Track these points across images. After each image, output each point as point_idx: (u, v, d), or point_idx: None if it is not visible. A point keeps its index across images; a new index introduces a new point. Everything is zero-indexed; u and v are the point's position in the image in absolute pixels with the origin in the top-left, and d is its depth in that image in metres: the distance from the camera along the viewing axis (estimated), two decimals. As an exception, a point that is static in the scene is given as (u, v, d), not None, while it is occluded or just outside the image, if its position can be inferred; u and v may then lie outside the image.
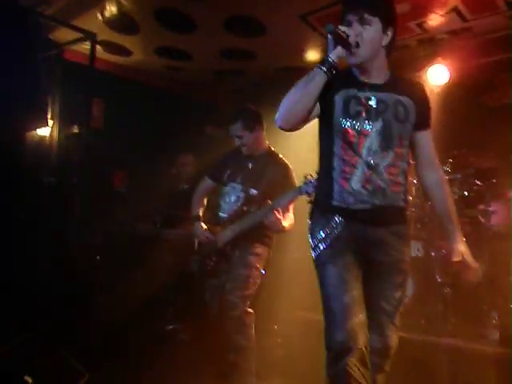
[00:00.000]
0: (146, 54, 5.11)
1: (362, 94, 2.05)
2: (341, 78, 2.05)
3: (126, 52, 5.06)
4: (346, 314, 1.97)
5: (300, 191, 3.10)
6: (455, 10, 3.92)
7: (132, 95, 5.30)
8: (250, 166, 3.46)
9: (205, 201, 3.68)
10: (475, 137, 4.42)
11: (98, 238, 4.62)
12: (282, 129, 2.08)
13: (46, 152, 4.74)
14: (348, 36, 1.92)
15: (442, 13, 3.99)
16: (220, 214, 3.51)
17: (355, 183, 2.05)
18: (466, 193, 4.09)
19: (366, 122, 2.03)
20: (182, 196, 4.70)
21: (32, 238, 3.89)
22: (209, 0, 3.93)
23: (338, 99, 2.05)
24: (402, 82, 2.17)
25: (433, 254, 3.92)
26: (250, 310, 3.27)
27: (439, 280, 3.81)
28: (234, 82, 5.78)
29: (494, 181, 4.03)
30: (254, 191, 3.38)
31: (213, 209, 3.62)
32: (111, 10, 4.15)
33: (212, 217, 3.60)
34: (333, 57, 1.96)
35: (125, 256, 4.43)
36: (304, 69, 5.09)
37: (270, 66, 5.28)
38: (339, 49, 1.94)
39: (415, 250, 4.04)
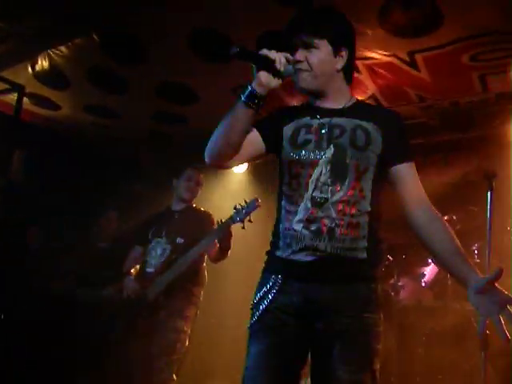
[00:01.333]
0: (75, 110, 5.07)
1: (314, 121, 1.80)
2: (295, 109, 1.90)
3: (54, 106, 5.00)
4: None
5: (232, 220, 3.19)
6: (373, 97, 4.27)
7: (56, 148, 5.20)
8: (176, 216, 3.59)
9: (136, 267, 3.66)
10: (387, 214, 4.69)
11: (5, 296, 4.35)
12: (209, 165, 1.87)
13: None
14: (272, 60, 1.67)
15: (361, 98, 4.31)
16: (147, 269, 3.48)
17: (296, 223, 1.70)
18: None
19: (316, 150, 1.73)
20: (101, 254, 4.58)
21: None
22: (142, 65, 4.01)
23: (287, 130, 1.83)
24: (369, 107, 1.99)
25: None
26: (174, 377, 3.20)
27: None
28: (162, 143, 5.83)
29: (404, 257, 4.27)
30: (180, 240, 3.42)
31: (140, 270, 3.58)
32: (43, 64, 4.13)
33: (139, 276, 3.55)
34: (254, 85, 1.70)
35: (35, 318, 4.17)
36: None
37: (200, 130, 5.37)
38: (262, 74, 1.68)
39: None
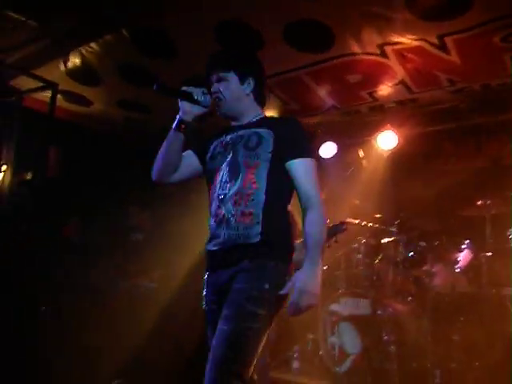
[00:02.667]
0: (107, 105, 5.17)
1: (226, 137, 2.21)
2: (221, 130, 2.26)
3: (86, 102, 5.11)
4: None
5: None
6: (402, 82, 4.22)
7: (90, 144, 5.32)
8: None
9: None
10: (420, 200, 4.67)
11: (48, 288, 4.50)
12: (155, 182, 2.29)
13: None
14: (190, 93, 2.13)
15: (390, 84, 4.28)
16: None
17: (210, 219, 2.10)
18: (410, 254, 4.27)
19: (222, 158, 2.14)
20: (135, 247, 4.69)
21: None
22: (172, 59, 4.07)
23: (209, 149, 2.25)
24: (271, 119, 2.30)
25: (379, 312, 4.02)
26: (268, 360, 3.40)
27: (385, 338, 3.90)
28: (193, 137, 5.89)
29: (437, 243, 4.23)
30: None
31: None
32: (74, 61, 4.23)
33: None
34: (180, 114, 2.17)
35: (73, 308, 4.31)
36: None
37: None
38: (184, 104, 2.15)
39: (363, 307, 4.14)
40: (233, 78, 2.18)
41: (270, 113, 5.10)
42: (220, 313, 1.95)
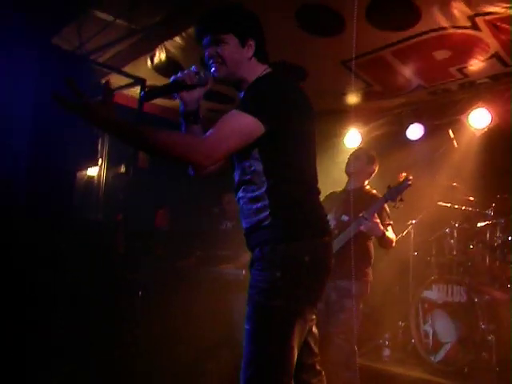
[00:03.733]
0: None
1: None
2: None
3: (173, 96, 5.27)
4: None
5: (385, 198, 3.41)
6: (496, 55, 3.96)
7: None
8: (344, 196, 3.69)
9: None
10: (519, 180, 4.37)
11: (140, 274, 4.73)
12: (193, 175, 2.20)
13: (94, 191, 4.94)
14: (182, 81, 1.92)
15: (482, 58, 4.03)
16: None
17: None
18: (510, 238, 4.02)
19: None
20: (224, 235, 4.79)
21: (78, 274, 4.03)
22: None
23: None
24: (256, 81, 1.99)
25: (476, 299, 3.83)
26: (355, 348, 3.40)
27: (483, 326, 3.72)
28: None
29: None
30: (345, 217, 3.55)
31: None
32: (160, 56, 4.37)
33: None
34: (182, 107, 2.01)
35: (167, 292, 4.50)
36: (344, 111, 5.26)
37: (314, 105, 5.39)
38: (182, 95, 1.97)
39: (458, 294, 3.97)
40: (232, 39, 1.95)
41: (352, 96, 5.00)
42: None
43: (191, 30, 3.90)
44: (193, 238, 4.97)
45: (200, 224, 4.98)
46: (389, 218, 3.60)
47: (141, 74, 4.56)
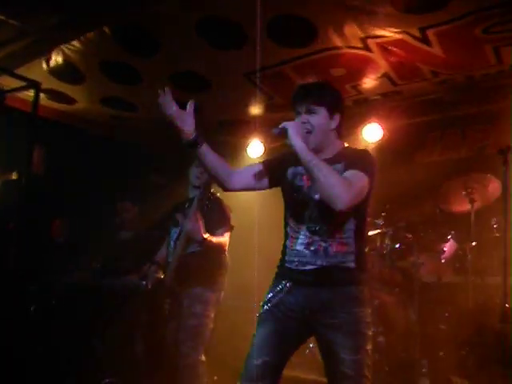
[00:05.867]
0: (91, 103, 5.15)
1: (302, 169, 2.22)
2: (292, 157, 2.21)
3: (70, 100, 5.08)
4: (250, 375, 2.09)
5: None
6: (386, 75, 4.25)
7: (75, 143, 5.28)
8: (187, 205, 3.58)
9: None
10: (406, 192, 4.70)
11: (33, 287, 4.48)
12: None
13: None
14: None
15: (374, 77, 4.30)
16: (168, 259, 3.56)
17: (299, 245, 2.21)
18: (397, 245, 4.31)
19: (306, 194, 2.23)
20: (124, 244, 4.67)
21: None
22: (154, 56, 4.05)
23: (288, 175, 2.33)
24: (346, 152, 2.30)
25: (367, 303, 4.05)
26: (203, 358, 3.32)
27: (373, 329, 3.93)
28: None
29: (422, 234, 4.28)
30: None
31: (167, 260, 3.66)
32: (56, 59, 4.20)
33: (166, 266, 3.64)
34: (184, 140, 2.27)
35: (62, 307, 4.30)
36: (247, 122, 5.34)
37: (214, 118, 5.45)
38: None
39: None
40: (323, 112, 2.24)
41: (255, 108, 5.12)
42: (294, 318, 2.20)
43: (91, 35, 3.79)
44: (92, 248, 4.78)
45: (98, 233, 4.81)
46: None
47: (35, 76, 4.34)
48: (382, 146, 5.12)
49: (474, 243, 4.05)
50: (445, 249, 4.24)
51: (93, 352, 4.11)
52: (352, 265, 2.17)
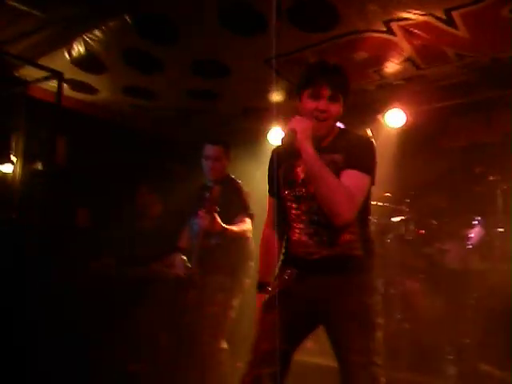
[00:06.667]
0: (113, 93, 5.17)
1: (297, 161, 2.16)
2: (288, 151, 2.13)
3: (92, 90, 5.11)
4: (258, 361, 2.07)
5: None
6: (410, 59, 4.16)
7: (97, 133, 5.33)
8: (208, 193, 3.54)
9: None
10: (430, 178, 4.64)
11: (58, 276, 4.54)
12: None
13: (8, 189, 4.68)
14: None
15: (397, 61, 4.23)
16: (192, 246, 3.57)
17: (303, 236, 2.16)
18: (422, 232, 4.26)
19: (302, 187, 2.14)
20: (146, 235, 4.71)
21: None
22: (176, 44, 4.04)
23: (281, 171, 2.26)
24: (345, 139, 2.17)
25: (392, 290, 4.03)
26: (224, 346, 3.32)
27: (398, 316, 3.92)
28: (198, 120, 5.89)
29: (448, 220, 4.22)
30: None
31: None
32: (79, 49, 4.21)
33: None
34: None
35: (85, 294, 4.34)
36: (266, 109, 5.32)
37: (236, 105, 5.44)
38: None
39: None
40: (341, 100, 2.12)
41: (277, 94, 5.08)
42: (302, 305, 2.18)
43: (112, 24, 3.79)
44: (115, 237, 4.82)
45: (121, 222, 4.84)
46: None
47: (58, 66, 4.38)
48: (406, 132, 5.06)
49: (501, 229, 3.98)
50: (471, 235, 4.18)
51: (118, 339, 4.17)
52: (359, 252, 2.13)
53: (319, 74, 2.11)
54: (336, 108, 2.09)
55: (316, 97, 2.08)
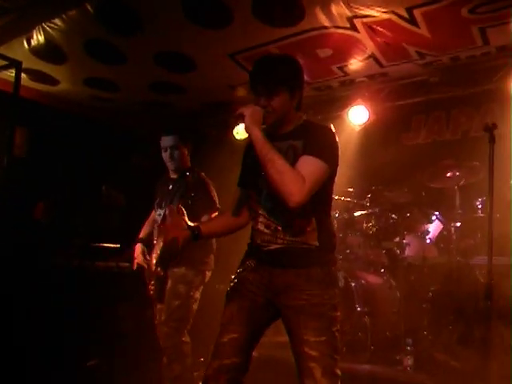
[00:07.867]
0: (74, 84, 5.06)
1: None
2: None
3: (52, 81, 4.99)
4: (219, 353, 2.08)
5: None
6: (372, 56, 4.23)
7: (57, 124, 5.21)
8: (170, 186, 3.52)
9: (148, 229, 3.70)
10: (391, 173, 4.73)
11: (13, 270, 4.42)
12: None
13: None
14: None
15: (360, 58, 4.28)
16: (154, 241, 3.52)
17: (260, 225, 2.18)
18: (382, 226, 4.34)
19: (261, 176, 2.10)
20: (109, 226, 4.64)
21: None
22: (139, 35, 3.98)
23: (249, 159, 2.29)
24: (306, 126, 2.20)
25: (353, 284, 4.09)
26: (187, 339, 3.30)
27: (358, 309, 3.99)
28: (161, 113, 5.83)
29: (408, 215, 4.31)
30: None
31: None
32: (38, 38, 4.10)
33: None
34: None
35: (39, 289, 4.24)
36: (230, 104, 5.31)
37: (198, 100, 5.41)
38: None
39: (337, 280, 4.21)
40: (284, 93, 2.11)
41: (241, 89, 5.07)
42: (261, 295, 2.18)
43: (73, 13, 3.71)
44: (75, 230, 4.74)
45: (82, 215, 4.76)
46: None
47: (16, 56, 4.25)
48: (368, 128, 5.14)
49: (458, 224, 4.09)
50: (430, 229, 4.28)
51: (78, 333, 4.10)
52: (315, 243, 2.11)
53: (254, 73, 2.16)
54: (277, 102, 2.09)
55: (256, 94, 2.13)
